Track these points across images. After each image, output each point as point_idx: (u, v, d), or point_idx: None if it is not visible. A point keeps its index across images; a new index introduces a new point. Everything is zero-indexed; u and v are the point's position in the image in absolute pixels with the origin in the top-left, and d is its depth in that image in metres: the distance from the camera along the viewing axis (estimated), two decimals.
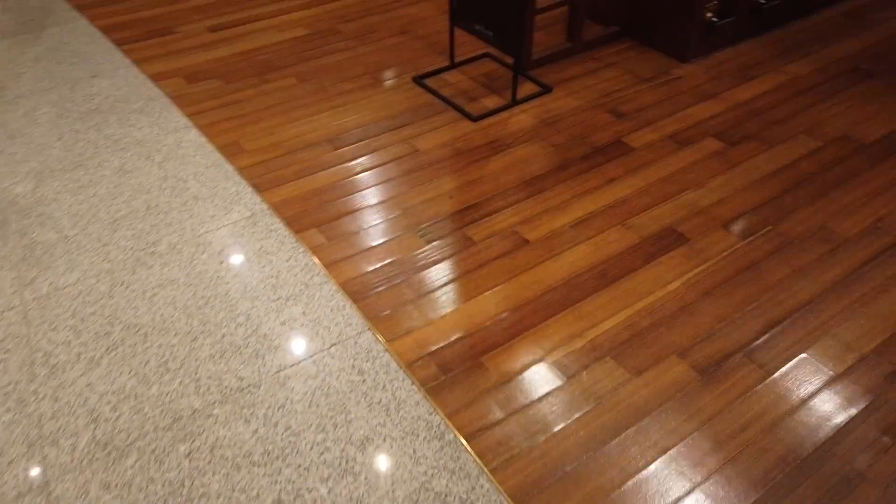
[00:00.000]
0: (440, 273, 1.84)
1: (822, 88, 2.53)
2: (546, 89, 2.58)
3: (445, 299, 1.76)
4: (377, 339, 1.66)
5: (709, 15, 2.60)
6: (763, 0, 2.69)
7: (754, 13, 2.75)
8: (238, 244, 1.93)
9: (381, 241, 1.94)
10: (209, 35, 3.04)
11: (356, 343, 1.65)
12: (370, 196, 2.10)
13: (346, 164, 2.23)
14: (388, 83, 2.66)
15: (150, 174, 2.21)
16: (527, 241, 1.92)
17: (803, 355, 1.60)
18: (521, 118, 2.43)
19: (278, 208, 2.06)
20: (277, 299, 1.75)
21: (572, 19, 2.72)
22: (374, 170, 2.21)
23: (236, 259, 1.89)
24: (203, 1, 3.33)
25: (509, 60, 2.72)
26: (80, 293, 1.78)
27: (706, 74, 2.64)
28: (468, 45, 2.87)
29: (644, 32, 2.80)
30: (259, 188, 2.14)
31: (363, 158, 2.26)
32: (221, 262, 1.87)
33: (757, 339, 1.64)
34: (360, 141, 2.34)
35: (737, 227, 1.95)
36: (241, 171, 2.22)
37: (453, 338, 1.66)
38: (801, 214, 1.98)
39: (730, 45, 2.78)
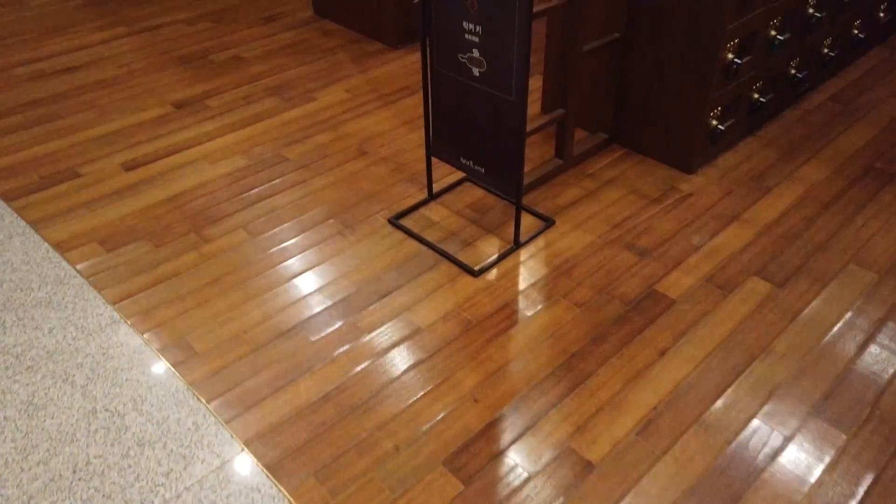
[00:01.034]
0: None
1: (847, 198, 2.29)
2: (548, 222, 2.21)
3: None
4: None
5: (714, 122, 2.32)
6: (762, 98, 2.45)
7: (751, 112, 2.51)
8: None
9: (404, 493, 1.48)
10: (124, 176, 2.49)
11: None
12: (374, 413, 1.63)
13: (334, 363, 1.77)
14: (359, 229, 2.22)
15: (73, 408, 1.66)
16: (590, 465, 1.52)
17: None
18: (532, 267, 2.05)
19: (257, 449, 1.56)
20: None
21: (562, 135, 2.38)
22: (373, 367, 1.75)
23: None
24: (109, 128, 2.78)
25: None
26: None
27: (718, 188, 2.35)
28: (440, 166, 2.47)
29: (637, 139, 2.50)
30: (224, 413, 1.63)
31: (354, 350, 1.80)
32: None
33: None
34: (345, 319, 1.87)
35: (834, 411, 1.62)
36: (197, 386, 1.70)
37: None
38: None
39: (729, 148, 2.52)
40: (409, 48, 3.37)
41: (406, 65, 3.22)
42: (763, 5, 2.21)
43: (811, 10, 2.46)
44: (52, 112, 2.88)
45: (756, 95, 2.43)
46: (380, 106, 2.91)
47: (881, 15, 3.01)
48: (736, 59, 2.18)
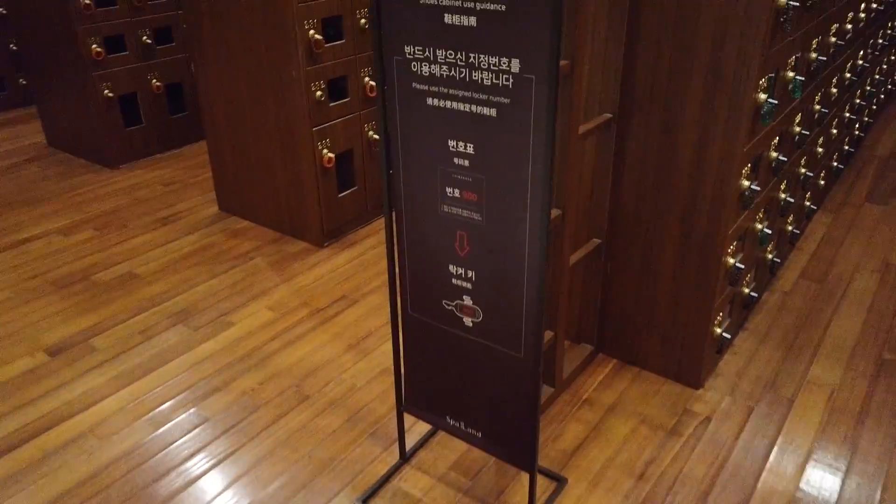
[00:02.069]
0: None
1: (876, 404, 2.01)
2: (560, 481, 1.77)
3: None
4: None
5: (718, 330, 2.04)
6: (753, 293, 2.22)
7: (744, 308, 2.28)
8: None
9: None
10: None
11: None
12: None
13: None
14: None
15: None
16: None
17: None
18: None
19: None
20: None
21: (552, 359, 2.00)
22: None
23: None
24: None
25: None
26: None
27: (736, 407, 2.00)
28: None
29: (628, 349, 2.17)
30: None
31: None
32: None
33: None
34: None
35: None
36: None
37: None
38: None
39: (727, 349, 2.25)
40: (338, 244, 2.97)
41: (336, 267, 2.80)
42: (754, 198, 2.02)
43: (784, 196, 2.33)
44: None
45: (747, 290, 2.20)
46: (314, 326, 2.44)
47: (821, 182, 3.00)
48: (738, 265, 1.94)
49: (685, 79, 1.76)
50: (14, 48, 4.56)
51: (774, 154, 2.07)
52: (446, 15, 1.25)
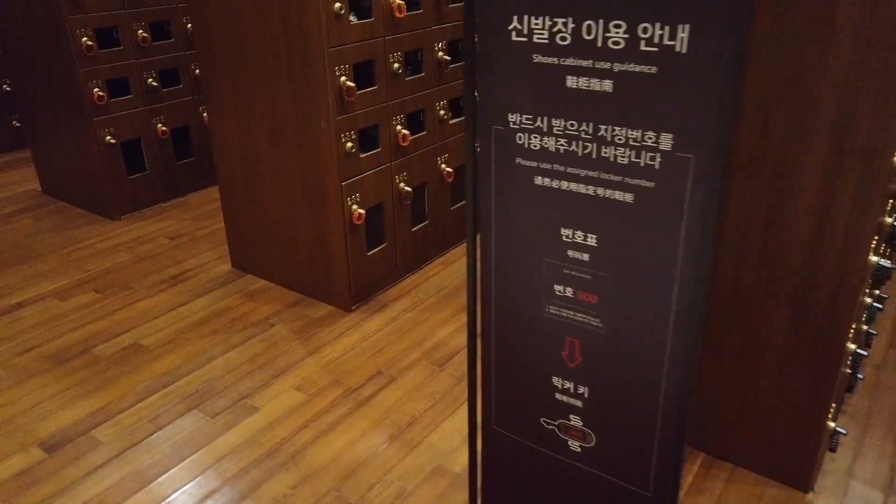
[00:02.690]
0: None
1: None
2: None
3: None
4: None
5: (832, 424, 1.77)
6: (860, 374, 1.95)
7: (847, 391, 2.01)
8: None
9: None
10: None
11: None
12: None
13: None
14: None
15: None
16: None
17: None
18: None
19: None
20: None
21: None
22: None
23: None
24: None
25: None
26: None
27: None
28: None
29: (718, 443, 1.89)
30: None
31: None
32: None
33: None
34: None
35: None
36: None
37: None
38: None
39: (838, 443, 1.97)
40: (367, 307, 2.68)
41: (367, 335, 2.51)
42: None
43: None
44: None
45: (849, 370, 1.94)
46: (349, 410, 2.13)
47: None
48: (860, 350, 1.67)
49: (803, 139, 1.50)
50: (8, 89, 4.29)
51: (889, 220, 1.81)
52: (570, 77, 0.99)
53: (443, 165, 2.90)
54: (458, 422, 2.07)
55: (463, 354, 2.41)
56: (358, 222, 2.53)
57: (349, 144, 2.43)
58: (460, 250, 3.15)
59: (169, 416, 2.11)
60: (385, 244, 2.74)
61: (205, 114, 3.68)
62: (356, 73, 2.41)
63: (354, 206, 2.52)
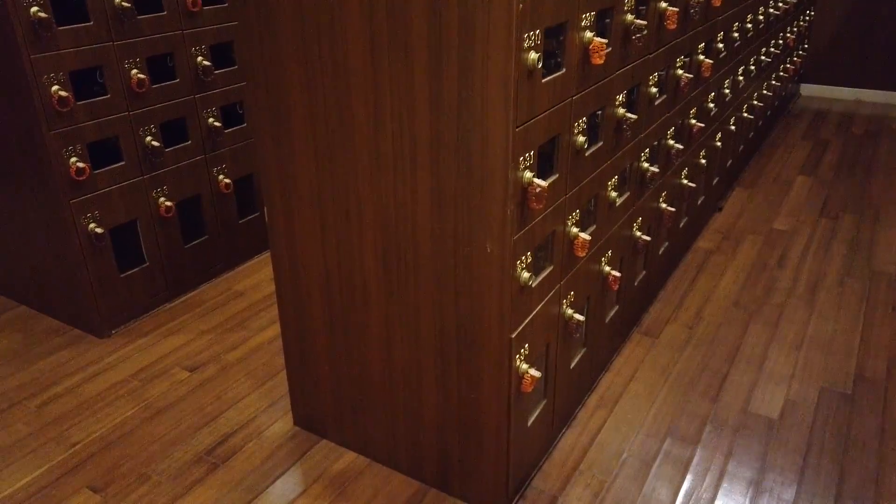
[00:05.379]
0: None
1: None
2: None
3: None
4: None
5: None
6: None
7: None
8: None
9: None
10: None
11: None
12: None
13: None
14: None
15: None
16: None
17: None
18: None
19: None
20: None
21: None
22: None
23: None
24: None
25: None
26: None
27: None
28: None
29: None
30: None
31: None
32: None
33: None
34: None
35: None
36: None
37: None
38: None
39: None
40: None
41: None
42: None
43: None
44: None
45: None
46: None
47: None
48: None
49: None
50: None
51: None
52: None
53: None
54: None
55: None
56: (527, 390, 1.61)
57: (525, 275, 1.50)
58: None
59: None
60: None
61: (222, 178, 2.69)
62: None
63: (524, 366, 1.59)
